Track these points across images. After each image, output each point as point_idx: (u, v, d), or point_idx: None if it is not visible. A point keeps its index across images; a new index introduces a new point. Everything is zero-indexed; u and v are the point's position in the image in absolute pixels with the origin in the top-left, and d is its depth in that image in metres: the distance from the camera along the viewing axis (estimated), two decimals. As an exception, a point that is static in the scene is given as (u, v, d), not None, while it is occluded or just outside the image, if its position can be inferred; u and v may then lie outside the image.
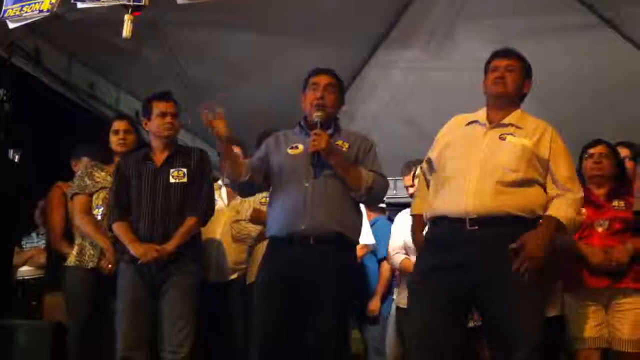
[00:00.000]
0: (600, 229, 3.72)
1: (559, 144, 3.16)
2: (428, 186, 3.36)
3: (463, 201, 3.04)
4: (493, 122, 3.22)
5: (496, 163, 3.08)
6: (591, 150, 3.93)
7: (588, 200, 3.79)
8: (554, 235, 3.06)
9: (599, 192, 3.86)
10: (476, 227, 3.01)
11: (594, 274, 3.64)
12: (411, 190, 4.32)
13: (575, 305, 3.72)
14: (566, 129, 6.19)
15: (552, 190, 3.10)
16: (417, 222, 3.41)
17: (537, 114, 6.42)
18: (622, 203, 3.77)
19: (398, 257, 4.34)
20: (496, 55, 3.32)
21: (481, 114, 3.29)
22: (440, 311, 3.05)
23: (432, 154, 3.34)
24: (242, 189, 3.55)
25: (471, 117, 3.32)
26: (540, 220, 3.05)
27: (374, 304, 5.14)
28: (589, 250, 3.65)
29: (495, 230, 3.00)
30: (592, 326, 3.65)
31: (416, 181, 3.57)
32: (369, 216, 5.09)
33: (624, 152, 4.24)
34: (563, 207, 3.06)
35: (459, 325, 3.11)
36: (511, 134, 3.15)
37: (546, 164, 3.11)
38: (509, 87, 3.22)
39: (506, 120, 3.20)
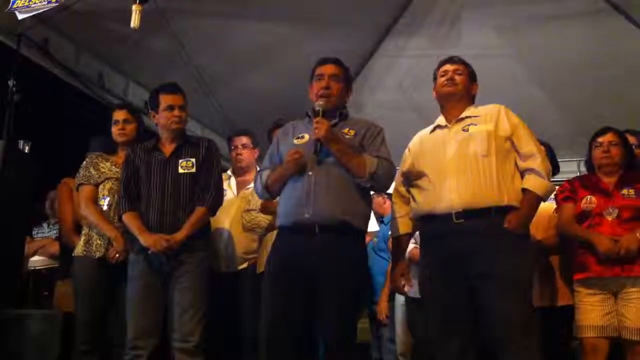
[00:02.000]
0: (609, 218, 3.71)
1: (513, 117, 3.40)
2: (406, 203, 3.55)
3: (447, 197, 3.25)
4: (452, 121, 3.45)
5: (468, 152, 3.30)
6: (600, 139, 3.91)
7: (597, 189, 3.81)
8: (535, 210, 3.32)
9: (609, 180, 3.84)
10: (462, 220, 3.21)
11: (602, 263, 3.64)
12: None
13: (583, 294, 3.71)
14: (575, 116, 6.25)
15: (521, 163, 3.33)
16: (406, 241, 3.64)
17: (544, 101, 6.46)
18: (632, 191, 3.75)
19: (408, 247, 4.35)
20: (444, 62, 3.58)
21: (439, 120, 3.54)
22: (453, 300, 3.22)
23: (405, 168, 3.55)
24: (273, 196, 3.56)
25: (431, 127, 3.57)
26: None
27: (382, 307, 5.14)
28: (598, 238, 3.65)
29: (481, 222, 3.20)
30: (601, 315, 3.65)
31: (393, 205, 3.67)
32: (385, 210, 5.11)
33: (630, 140, 4.23)
34: (535, 180, 3.28)
35: (472, 311, 3.22)
36: (472, 124, 3.39)
37: (510, 140, 3.33)
38: (459, 87, 3.48)
39: (463, 115, 3.45)
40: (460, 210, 3.20)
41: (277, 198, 3.53)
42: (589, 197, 3.80)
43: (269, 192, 3.48)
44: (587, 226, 3.75)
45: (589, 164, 4.01)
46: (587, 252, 3.69)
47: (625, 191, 3.76)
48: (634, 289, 3.60)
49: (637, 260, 3.60)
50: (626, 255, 3.58)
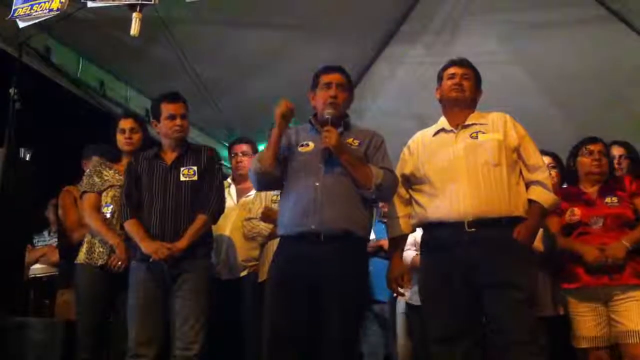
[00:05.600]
0: (595, 227, 3.73)
1: (520, 128, 3.42)
2: (406, 203, 3.52)
3: (458, 205, 3.24)
4: (457, 127, 3.43)
5: (478, 161, 3.29)
6: (591, 147, 3.94)
7: (579, 199, 3.85)
8: (541, 223, 3.44)
9: (591, 190, 3.89)
10: (474, 230, 3.20)
11: (591, 272, 3.66)
12: None
13: (575, 304, 3.74)
14: (575, 123, 6.24)
15: (527, 174, 3.35)
16: (404, 241, 3.62)
17: (545, 108, 6.45)
18: (615, 199, 3.80)
19: (409, 254, 4.33)
20: (453, 63, 3.56)
21: (443, 123, 3.51)
22: (458, 309, 3.22)
23: (407, 170, 3.52)
24: (263, 181, 3.44)
25: (433, 128, 3.55)
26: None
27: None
28: (584, 248, 3.67)
29: (492, 231, 3.20)
30: (593, 325, 3.68)
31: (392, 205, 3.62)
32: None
33: (618, 151, 4.28)
34: (541, 192, 3.30)
35: (476, 319, 3.26)
36: (480, 132, 3.38)
37: (517, 151, 3.34)
38: (466, 93, 3.48)
39: (468, 121, 3.44)
40: (472, 219, 3.20)
41: (278, 205, 3.52)
42: (571, 209, 3.83)
43: (262, 170, 3.34)
44: (575, 237, 3.78)
45: (572, 173, 4.02)
46: (576, 263, 3.71)
47: (608, 199, 3.80)
48: (624, 296, 3.62)
49: (625, 268, 3.63)
50: (613, 263, 3.61)
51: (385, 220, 4.95)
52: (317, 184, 3.29)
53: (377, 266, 4.96)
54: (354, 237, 3.30)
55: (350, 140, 3.41)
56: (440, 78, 3.57)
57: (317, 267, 3.21)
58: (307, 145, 3.43)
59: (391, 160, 3.46)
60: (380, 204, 4.70)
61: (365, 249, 3.49)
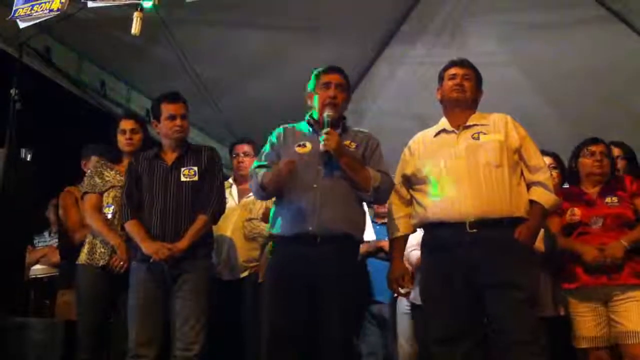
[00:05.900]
0: (595, 227, 3.75)
1: (521, 129, 3.41)
2: (406, 204, 3.51)
3: (459, 205, 3.23)
4: (459, 127, 3.42)
5: (480, 161, 3.28)
6: (593, 148, 3.96)
7: (580, 200, 3.86)
8: (542, 223, 3.42)
9: (593, 190, 3.90)
10: (475, 230, 3.19)
11: (590, 272, 3.67)
12: None
13: (574, 304, 3.75)
14: (575, 124, 6.24)
15: (528, 175, 3.35)
16: (404, 242, 3.59)
17: (545, 109, 6.45)
18: (615, 199, 3.81)
19: (415, 254, 4.32)
20: (454, 64, 3.55)
21: (444, 124, 3.50)
22: (459, 310, 3.22)
23: (407, 170, 3.50)
24: (266, 198, 3.58)
25: (434, 129, 3.53)
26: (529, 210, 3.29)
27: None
28: (584, 248, 3.69)
29: (493, 232, 3.19)
30: (593, 325, 3.70)
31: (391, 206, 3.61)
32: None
33: (615, 152, 4.29)
34: (542, 193, 3.29)
35: (477, 319, 3.25)
36: (481, 132, 3.37)
37: (518, 152, 3.33)
38: (467, 94, 3.46)
39: (469, 122, 3.43)
40: (474, 219, 3.20)
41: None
42: (572, 209, 3.84)
43: (265, 192, 3.42)
44: (575, 237, 3.79)
45: (573, 173, 4.03)
46: (575, 263, 3.73)
47: (609, 199, 3.82)
48: (623, 297, 3.64)
49: (623, 268, 3.64)
50: (612, 263, 3.62)
51: (378, 221, 5.03)
52: (315, 185, 3.30)
53: (376, 267, 4.99)
54: (350, 239, 3.33)
55: (347, 142, 3.42)
56: (441, 78, 3.57)
57: (315, 266, 3.22)
58: (305, 145, 3.43)
59: (390, 161, 3.47)
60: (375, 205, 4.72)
61: (358, 248, 3.50)
